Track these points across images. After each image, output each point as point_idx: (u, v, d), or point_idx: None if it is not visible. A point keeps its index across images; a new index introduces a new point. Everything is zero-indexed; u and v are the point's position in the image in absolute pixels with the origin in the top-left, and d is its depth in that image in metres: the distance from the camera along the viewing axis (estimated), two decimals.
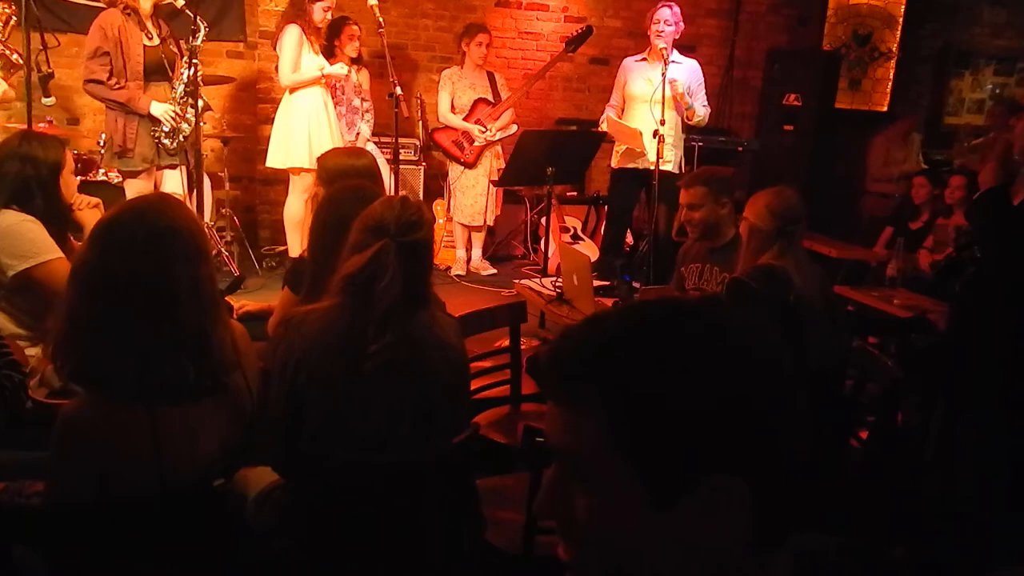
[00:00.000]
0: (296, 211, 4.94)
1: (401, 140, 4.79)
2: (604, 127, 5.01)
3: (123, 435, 1.51)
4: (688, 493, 0.67)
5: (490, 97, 5.54)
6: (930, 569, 2.38)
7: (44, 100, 3.82)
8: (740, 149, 6.65)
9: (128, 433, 1.51)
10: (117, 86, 4.01)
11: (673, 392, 0.66)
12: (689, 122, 5.01)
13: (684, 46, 5.55)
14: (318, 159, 2.98)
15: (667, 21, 4.77)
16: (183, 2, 4.11)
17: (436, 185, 6.15)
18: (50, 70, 3.79)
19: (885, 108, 7.40)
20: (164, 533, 1.49)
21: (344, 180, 2.65)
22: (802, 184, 6.44)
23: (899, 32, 7.39)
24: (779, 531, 0.72)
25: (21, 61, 3.73)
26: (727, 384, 0.67)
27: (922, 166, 6.29)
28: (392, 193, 4.46)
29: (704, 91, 5.04)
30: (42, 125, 4.32)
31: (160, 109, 4.07)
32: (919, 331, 3.60)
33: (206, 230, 4.73)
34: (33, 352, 2.44)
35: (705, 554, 0.69)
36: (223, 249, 5.13)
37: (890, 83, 7.48)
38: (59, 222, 2.56)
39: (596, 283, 3.69)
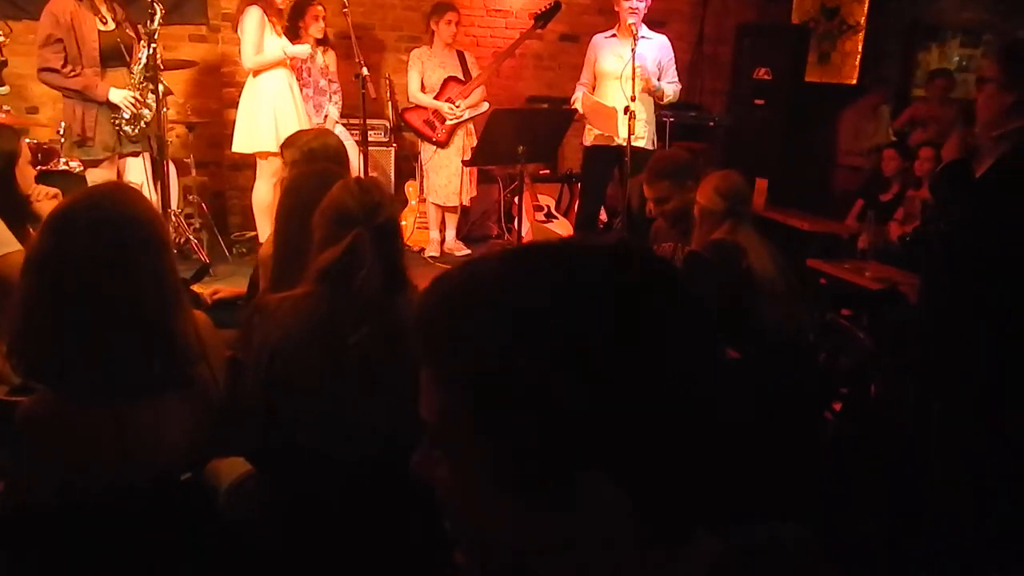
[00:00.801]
0: (265, 196, 4.87)
1: (370, 121, 4.74)
2: (578, 106, 4.96)
3: (84, 431, 1.47)
4: (544, 483, 0.59)
5: (460, 76, 5.47)
6: (902, 545, 2.41)
7: None
8: (712, 124, 6.65)
9: (90, 429, 1.47)
10: (72, 73, 3.90)
11: (525, 371, 0.57)
12: (660, 102, 4.99)
13: (654, 21, 5.51)
14: (283, 142, 2.92)
15: None
16: None
17: (408, 166, 6.08)
18: (3, 58, 3.68)
19: (855, 81, 7.42)
20: (131, 530, 1.45)
21: (311, 162, 2.61)
22: (774, 158, 6.48)
23: (867, 5, 7.40)
24: (678, 528, 0.63)
25: None
26: (593, 370, 0.57)
27: (891, 139, 6.32)
28: (361, 175, 4.40)
29: (675, 67, 5.01)
30: None
31: (119, 95, 3.97)
32: (891, 303, 3.63)
33: (172, 218, 4.66)
34: None
35: (584, 553, 0.60)
36: (192, 236, 5.05)
37: (859, 56, 7.49)
38: (16, 214, 2.48)
39: None
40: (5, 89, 3.82)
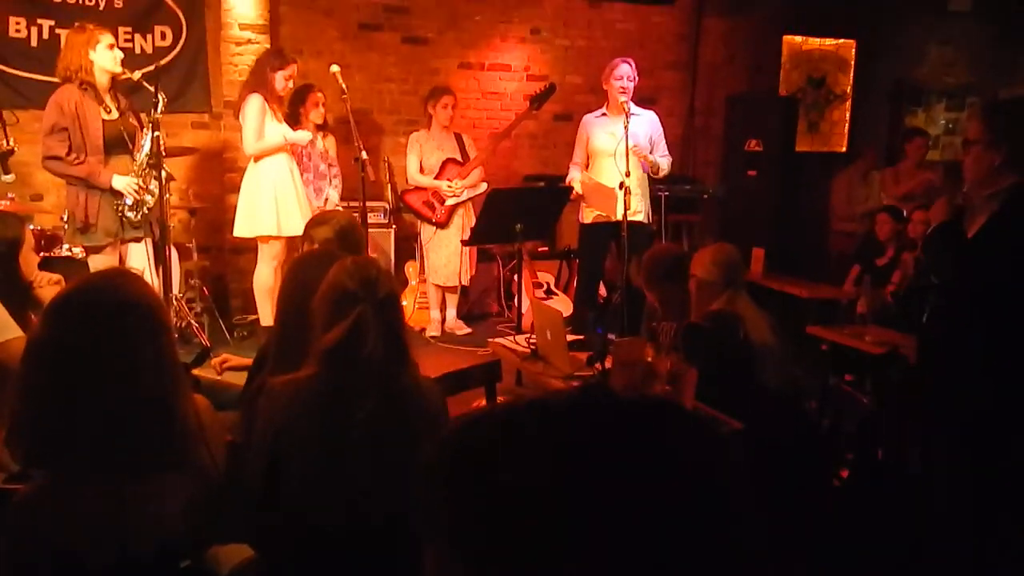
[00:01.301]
0: (266, 279, 4.90)
1: (370, 203, 4.81)
2: (576, 188, 5.02)
3: (83, 512, 1.45)
4: None
5: (459, 157, 5.59)
6: None
7: (4, 177, 3.80)
8: (706, 196, 6.75)
9: (88, 509, 1.45)
10: (77, 161, 3.98)
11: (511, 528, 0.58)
12: (655, 176, 5.08)
13: (644, 98, 5.67)
14: (310, 221, 2.98)
15: (628, 77, 4.87)
16: (139, 75, 4.12)
17: (407, 247, 6.15)
18: (10, 147, 3.76)
19: (844, 148, 7.59)
20: None
21: (343, 240, 2.70)
22: (769, 227, 6.56)
23: (852, 74, 7.63)
24: None
25: None
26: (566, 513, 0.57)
27: (884, 203, 6.42)
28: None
29: (664, 141, 5.12)
30: (3, 202, 4.27)
31: (122, 182, 4.05)
32: (893, 366, 3.62)
33: (173, 302, 4.69)
34: None
35: None
36: (193, 320, 5.07)
37: (847, 124, 7.69)
38: (19, 300, 2.51)
39: (570, 337, 3.67)
40: (11, 177, 3.89)
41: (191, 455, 1.58)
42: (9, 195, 4.63)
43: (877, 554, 2.49)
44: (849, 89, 7.65)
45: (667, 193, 6.07)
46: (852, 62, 7.61)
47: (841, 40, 7.54)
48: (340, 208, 5.48)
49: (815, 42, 7.53)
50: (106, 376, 1.46)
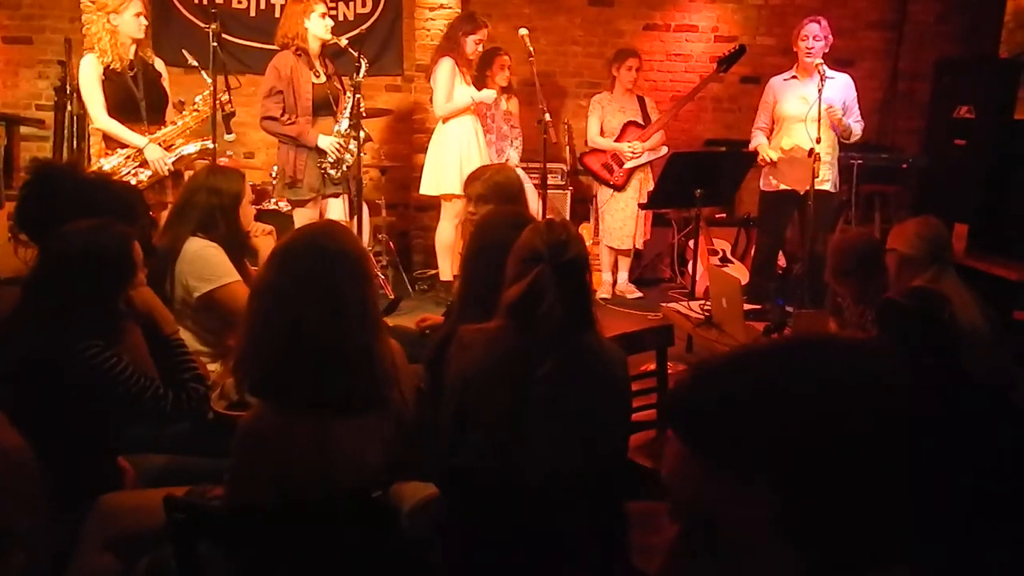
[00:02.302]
0: (447, 236, 5.12)
1: (549, 165, 4.88)
2: (766, 154, 4.83)
3: (295, 445, 1.63)
4: None
5: (640, 120, 5.53)
6: None
7: (227, 136, 4.18)
8: (905, 166, 6.26)
9: (300, 443, 1.63)
10: (289, 122, 4.33)
11: (852, 473, 0.57)
12: (846, 141, 4.80)
13: (841, 60, 5.33)
14: (466, 178, 3.10)
15: (816, 36, 4.62)
16: (346, 42, 4.40)
17: (583, 209, 6.19)
18: (232, 109, 4.15)
19: None
20: (328, 537, 1.58)
21: (496, 195, 2.78)
22: (976, 202, 6.00)
23: None
24: None
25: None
26: (908, 462, 0.59)
27: None
28: (540, 216, 4.54)
29: (857, 106, 4.81)
30: (224, 159, 4.73)
31: (327, 142, 4.36)
32: None
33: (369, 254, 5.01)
34: (214, 367, 2.66)
35: None
36: (379, 273, 5.39)
37: None
38: (238, 248, 2.79)
39: (746, 306, 3.59)
40: (232, 137, 4.29)
41: (388, 397, 1.73)
42: (228, 153, 5.11)
43: None
44: None
45: (860, 161, 5.69)
46: None
47: None
48: (520, 168, 5.61)
49: None
50: (319, 318, 1.62)
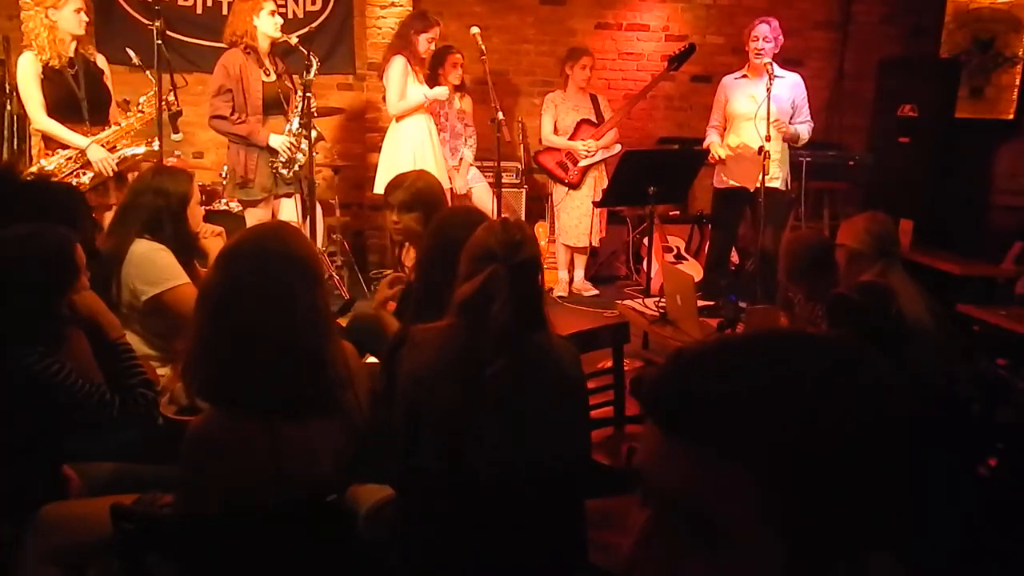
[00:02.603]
0: None
1: (503, 164, 4.88)
2: (716, 152, 4.90)
3: (247, 449, 1.59)
4: (834, 566, 0.59)
5: (593, 119, 5.56)
6: None
7: (173, 136, 4.10)
8: (851, 163, 6.41)
9: (251, 447, 1.60)
10: (239, 121, 4.26)
11: (833, 456, 0.59)
12: (795, 145, 4.90)
13: (790, 60, 5.42)
14: (387, 186, 3.03)
15: (766, 37, 4.69)
16: (296, 40, 4.34)
17: (538, 207, 6.20)
18: (179, 108, 4.06)
19: (1011, 116, 6.98)
20: (283, 544, 1.55)
21: (418, 202, 2.77)
22: (920, 198, 6.16)
23: None
24: None
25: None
26: (887, 446, 0.60)
27: None
28: (495, 216, 4.53)
29: (807, 105, 4.91)
30: (171, 159, 4.62)
31: (278, 141, 4.29)
32: None
33: (319, 255, 4.96)
34: (163, 372, 2.60)
35: None
36: (334, 273, 5.34)
37: (1016, 90, 7.05)
38: (187, 250, 2.73)
39: (700, 303, 3.63)
40: (179, 136, 4.21)
41: (340, 400, 1.70)
42: (176, 153, 5.00)
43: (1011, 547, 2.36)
44: (1022, 52, 7.00)
45: (809, 159, 5.80)
46: None
47: None
48: (474, 167, 5.61)
49: (984, 0, 6.92)
50: (268, 320, 1.59)
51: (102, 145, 3.92)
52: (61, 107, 3.89)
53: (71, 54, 3.90)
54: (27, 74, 3.84)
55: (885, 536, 0.60)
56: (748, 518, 0.59)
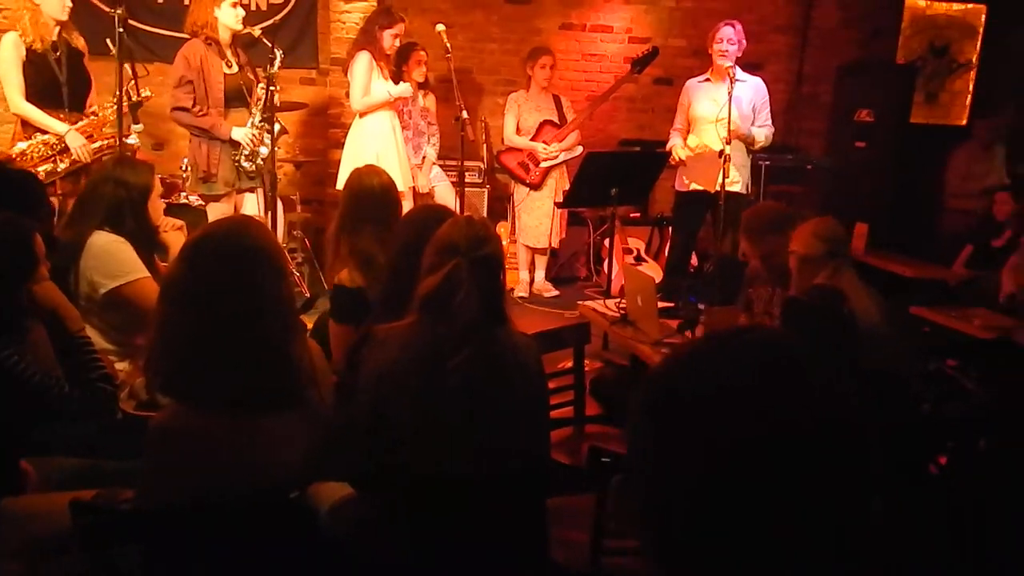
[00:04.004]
0: None
1: (466, 163, 4.88)
2: (678, 154, 4.95)
3: (209, 444, 1.58)
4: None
5: (556, 119, 5.59)
6: None
7: (134, 126, 4.03)
8: (810, 167, 6.54)
9: (214, 442, 1.58)
10: (201, 113, 4.20)
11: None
12: (752, 147, 4.97)
13: (750, 64, 5.50)
14: (346, 182, 3.03)
15: (730, 40, 4.75)
16: (259, 32, 4.29)
17: (500, 207, 6.21)
18: (139, 98, 4.00)
19: (964, 122, 7.17)
20: (245, 539, 1.55)
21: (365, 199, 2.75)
22: (876, 201, 6.31)
23: (979, 43, 7.18)
24: None
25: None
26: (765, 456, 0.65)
27: (1006, 181, 6.06)
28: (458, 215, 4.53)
29: (768, 109, 4.99)
30: (130, 143, 4.54)
31: (240, 133, 4.24)
32: (1004, 353, 3.48)
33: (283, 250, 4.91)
34: (122, 366, 2.56)
35: None
36: (295, 270, 5.29)
37: (970, 96, 7.25)
38: (147, 243, 2.69)
39: (660, 304, 3.67)
40: (140, 127, 4.13)
41: (306, 395, 1.70)
42: (134, 143, 4.90)
43: (960, 545, 2.44)
44: (975, 58, 7.20)
45: (768, 162, 5.91)
46: (980, 29, 7.15)
47: (970, 4, 7.09)
48: (437, 165, 5.60)
49: (941, 6, 7.10)
50: (234, 314, 1.58)
51: (80, 133, 3.90)
52: (42, 92, 3.88)
53: (54, 38, 3.86)
54: (9, 55, 3.82)
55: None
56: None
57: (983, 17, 7.12)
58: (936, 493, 2.72)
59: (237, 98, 4.29)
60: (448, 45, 4.69)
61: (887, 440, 2.54)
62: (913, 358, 2.99)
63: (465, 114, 4.70)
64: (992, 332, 3.66)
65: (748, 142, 4.86)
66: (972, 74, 7.22)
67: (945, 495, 2.70)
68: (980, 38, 7.16)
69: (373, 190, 2.79)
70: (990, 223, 5.29)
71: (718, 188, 4.57)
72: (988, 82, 7.17)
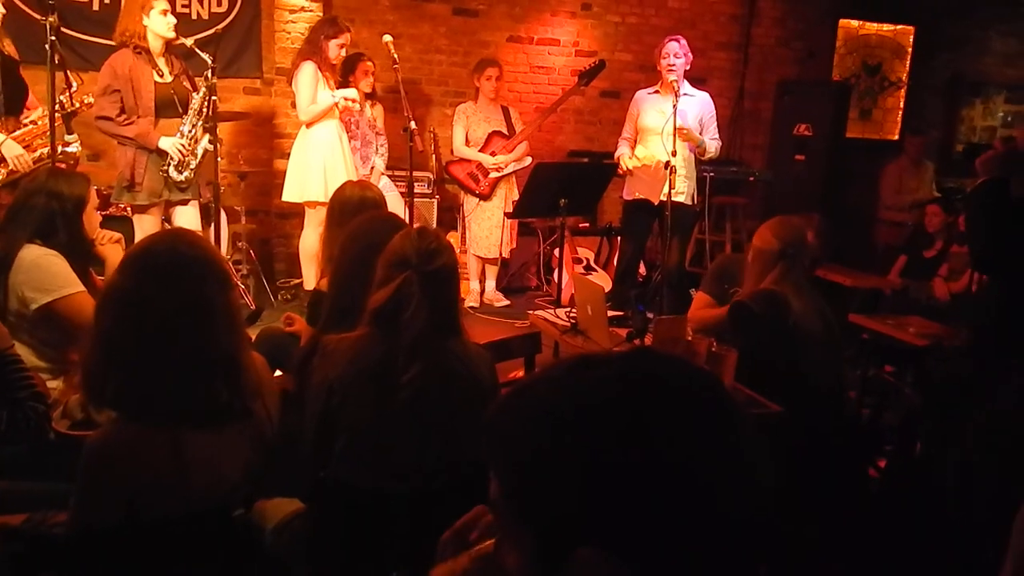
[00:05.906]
0: (311, 244, 4.98)
1: (415, 173, 4.85)
2: (625, 164, 5.01)
3: (151, 460, 1.52)
4: (564, 561, 0.65)
5: (505, 130, 5.60)
6: None
7: (67, 137, 3.90)
8: (752, 179, 6.69)
9: (156, 458, 1.52)
10: (127, 122, 4.08)
11: (544, 469, 0.69)
12: (701, 157, 5.06)
13: (695, 78, 5.60)
14: (334, 194, 3.03)
15: (676, 54, 4.84)
16: (191, 42, 4.19)
17: (449, 217, 6.20)
18: (73, 108, 3.88)
19: (896, 137, 7.45)
20: (187, 559, 1.49)
21: (358, 213, 2.73)
22: (814, 213, 6.47)
23: (908, 62, 7.46)
24: None
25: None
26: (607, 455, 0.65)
27: (935, 194, 6.31)
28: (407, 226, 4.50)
29: (716, 123, 5.08)
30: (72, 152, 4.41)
31: (168, 143, 4.12)
32: (937, 359, 3.59)
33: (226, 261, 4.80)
34: (55, 384, 2.46)
35: None
36: (239, 282, 5.18)
37: (901, 112, 7.53)
38: (82, 256, 2.59)
39: (610, 313, 3.70)
40: (74, 137, 4.00)
41: (251, 408, 1.65)
42: (77, 153, 4.74)
43: (902, 547, 2.50)
44: (905, 77, 7.49)
45: (712, 175, 6.03)
46: (910, 49, 7.44)
47: (899, 26, 7.37)
48: (385, 176, 5.56)
49: (872, 27, 7.36)
50: (177, 328, 1.53)
51: (18, 142, 3.77)
52: None
53: None
54: None
55: (612, 535, 0.64)
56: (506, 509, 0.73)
57: (911, 38, 7.41)
58: (876, 496, 2.79)
59: (168, 107, 4.18)
60: (395, 56, 4.66)
61: (827, 444, 2.60)
62: (852, 365, 3.07)
63: (413, 125, 4.67)
64: (926, 339, 3.77)
65: (699, 151, 4.95)
66: (903, 92, 7.50)
67: (884, 497, 2.77)
68: (909, 58, 7.45)
69: (352, 201, 2.82)
70: (922, 234, 5.47)
71: (663, 198, 4.63)
72: (917, 100, 7.46)
